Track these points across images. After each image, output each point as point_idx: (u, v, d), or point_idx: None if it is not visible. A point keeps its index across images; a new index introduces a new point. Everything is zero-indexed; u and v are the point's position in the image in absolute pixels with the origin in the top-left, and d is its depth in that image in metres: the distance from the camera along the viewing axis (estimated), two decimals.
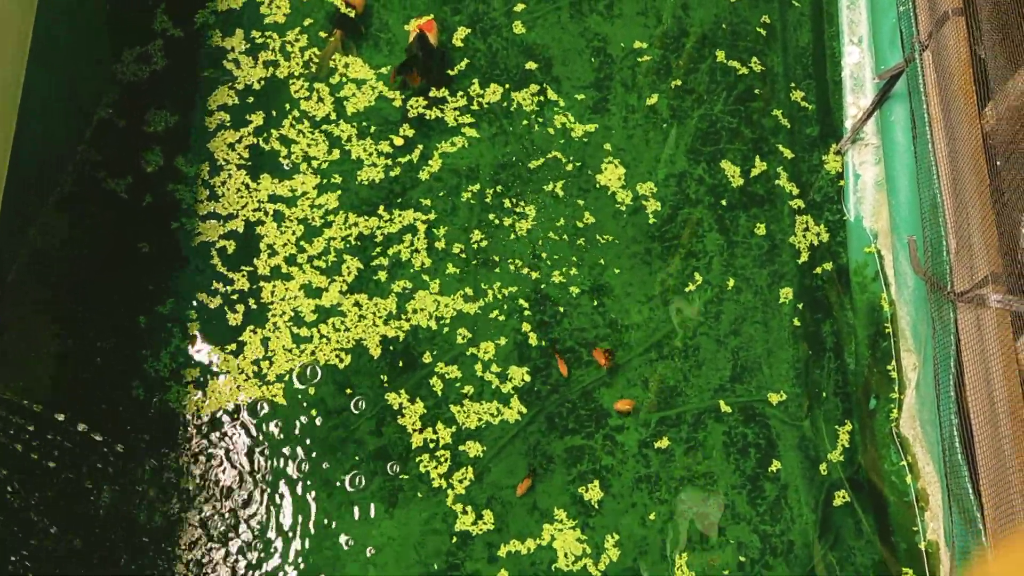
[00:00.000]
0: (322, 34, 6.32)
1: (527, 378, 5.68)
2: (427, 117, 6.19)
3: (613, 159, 6.21)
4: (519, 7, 6.52)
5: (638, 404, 5.67)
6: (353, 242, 5.87)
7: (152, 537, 5.20)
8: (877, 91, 5.52)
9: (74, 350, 5.50)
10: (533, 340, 5.78)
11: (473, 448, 5.50)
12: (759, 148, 6.31)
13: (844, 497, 5.52)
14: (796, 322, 5.91)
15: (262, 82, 6.20)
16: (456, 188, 6.06)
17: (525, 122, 6.25)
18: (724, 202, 6.19)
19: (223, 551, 5.26)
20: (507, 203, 6.04)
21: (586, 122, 6.29)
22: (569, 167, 6.17)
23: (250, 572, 5.23)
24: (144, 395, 5.46)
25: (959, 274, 4.29)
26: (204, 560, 5.22)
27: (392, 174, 6.03)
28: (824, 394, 5.75)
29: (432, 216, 5.96)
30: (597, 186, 6.15)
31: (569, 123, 6.27)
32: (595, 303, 5.90)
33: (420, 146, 6.12)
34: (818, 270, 6.01)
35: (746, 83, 6.50)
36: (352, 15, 6.29)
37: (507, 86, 6.31)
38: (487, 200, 6.05)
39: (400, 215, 5.95)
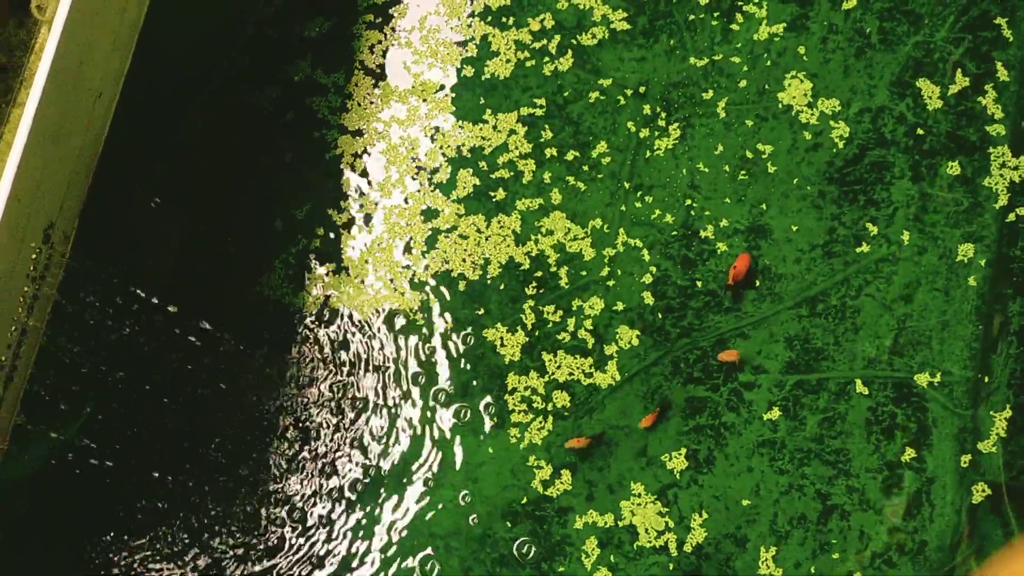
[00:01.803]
0: None
1: (660, 315, 5.31)
2: (604, 33, 5.80)
3: (801, 83, 5.53)
4: None
5: (769, 362, 5.15)
6: (514, 158, 5.68)
7: (259, 429, 5.48)
8: None
9: (203, 246, 5.77)
10: (674, 276, 5.38)
11: (597, 377, 5.26)
12: (979, 87, 5.36)
13: (997, 504, 4.74)
14: (983, 296, 5.06)
15: None
16: (621, 105, 5.67)
17: (707, 37, 5.69)
18: (926, 146, 5.36)
19: (322, 446, 5.44)
20: (673, 126, 5.58)
21: (779, 40, 5.62)
22: (749, 90, 5.58)
23: (350, 468, 5.38)
24: (268, 293, 5.66)
25: None
26: (301, 453, 5.43)
27: (562, 89, 5.72)
28: (997, 384, 4.92)
29: (592, 134, 5.63)
30: (776, 114, 5.52)
31: (758, 40, 5.64)
32: (749, 245, 5.36)
33: (591, 57, 5.75)
34: (1020, 239, 5.08)
35: (981, 7, 5.51)
36: None
37: None
38: (652, 121, 5.62)
39: (559, 126, 5.67)
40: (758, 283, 5.29)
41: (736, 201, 5.44)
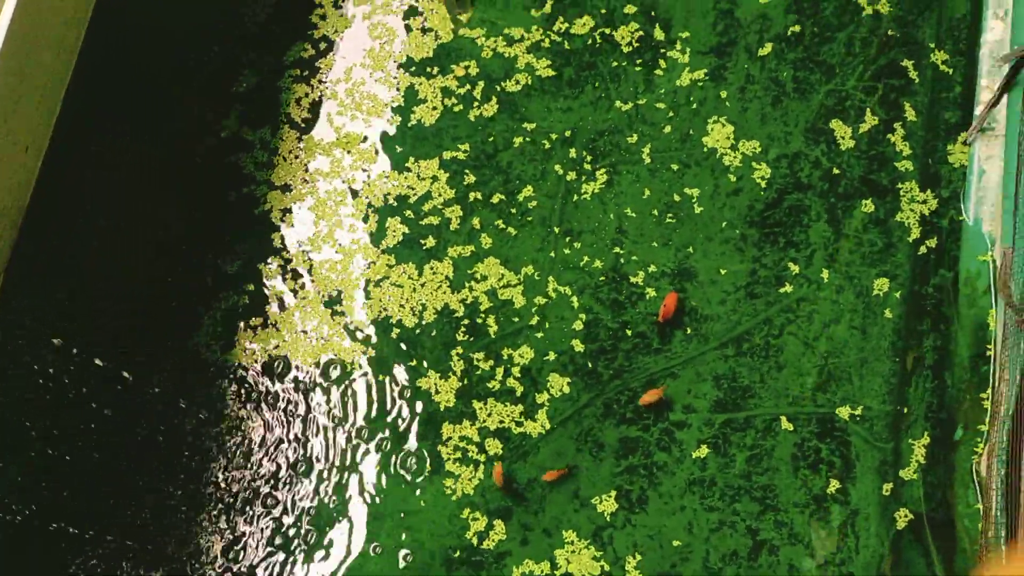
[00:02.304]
0: None
1: (591, 362, 5.41)
2: (532, 79, 5.95)
3: (723, 127, 5.72)
4: None
5: (698, 401, 5.27)
6: (439, 205, 5.76)
7: (188, 475, 5.43)
8: (1005, 75, 4.73)
9: (135, 299, 5.75)
10: (605, 320, 5.49)
11: (527, 426, 5.32)
12: (890, 131, 5.61)
13: (919, 534, 4.89)
14: (899, 332, 5.26)
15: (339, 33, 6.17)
16: (548, 154, 5.81)
17: (632, 87, 5.87)
18: (840, 189, 5.57)
19: (255, 493, 5.41)
20: (600, 172, 5.73)
21: (699, 89, 5.82)
22: (673, 138, 5.76)
23: (284, 517, 5.35)
24: (200, 346, 5.64)
25: None
26: (236, 498, 5.39)
27: (488, 136, 5.85)
28: (915, 417, 5.10)
29: (520, 181, 5.74)
30: (697, 162, 5.70)
31: (680, 88, 5.84)
32: (676, 288, 5.50)
33: (519, 106, 5.89)
34: (932, 276, 5.30)
35: (888, 57, 5.78)
36: None
37: (620, 48, 5.93)
38: (579, 167, 5.76)
39: (488, 176, 5.78)
40: (686, 323, 5.42)
41: (663, 245, 5.59)
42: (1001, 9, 5.29)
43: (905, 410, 5.10)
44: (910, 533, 4.93)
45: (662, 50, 5.91)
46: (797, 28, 5.84)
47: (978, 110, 5.22)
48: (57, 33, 4.83)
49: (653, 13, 6.00)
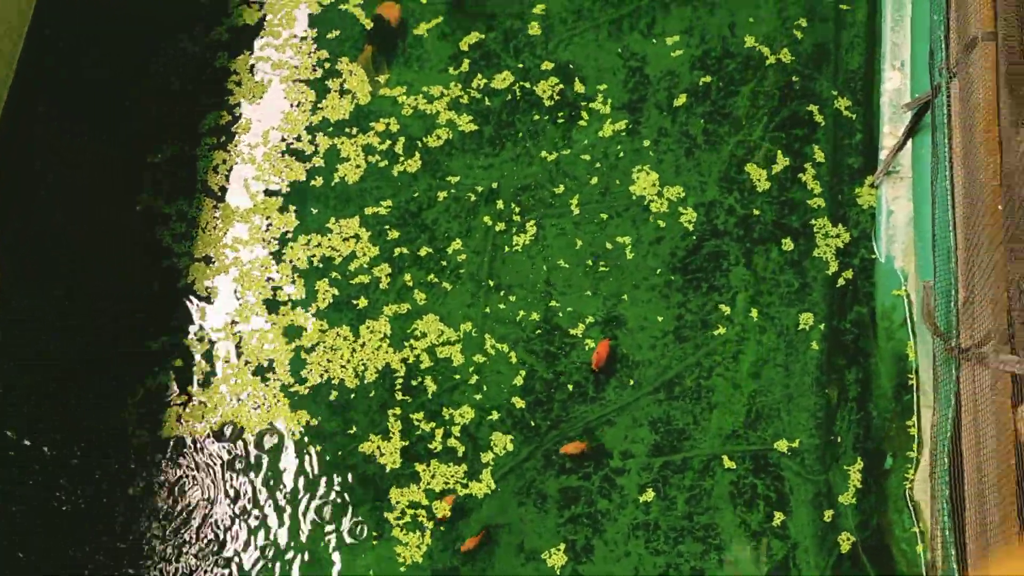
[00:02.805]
0: (343, 61, 6.24)
1: (528, 414, 5.45)
2: (451, 134, 6.04)
3: (648, 175, 5.90)
4: (558, 27, 6.29)
5: (635, 446, 5.36)
6: (366, 264, 5.75)
7: (132, 552, 5.22)
8: (909, 121, 5.06)
9: (60, 376, 5.56)
10: (540, 371, 5.55)
11: (472, 487, 5.30)
12: (796, 178, 5.89)
13: (856, 560, 5.06)
14: (821, 367, 5.48)
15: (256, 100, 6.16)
16: (474, 209, 5.88)
17: (551, 143, 6.02)
18: (755, 235, 5.81)
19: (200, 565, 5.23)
20: (527, 226, 5.83)
21: (615, 144, 6.01)
22: (593, 192, 5.91)
23: None
24: (129, 425, 5.48)
25: (966, 328, 3.85)
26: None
27: (413, 194, 5.89)
28: (843, 448, 5.30)
29: (447, 238, 5.79)
30: (619, 212, 5.86)
31: (597, 145, 6.01)
32: (607, 336, 5.61)
33: (441, 163, 5.96)
34: (848, 313, 5.56)
35: (790, 108, 6.09)
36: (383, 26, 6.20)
37: (537, 105, 6.09)
38: (504, 222, 5.85)
39: (414, 234, 5.81)
40: (619, 370, 5.53)
41: (592, 294, 5.71)
42: (897, 60, 5.66)
43: (834, 442, 5.30)
44: (848, 560, 5.09)
45: (578, 105, 6.09)
46: (704, 83, 6.10)
47: (882, 155, 5.54)
48: None
49: (568, 71, 6.19)
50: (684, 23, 6.33)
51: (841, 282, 5.59)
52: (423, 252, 5.76)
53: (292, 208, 5.91)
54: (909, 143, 5.09)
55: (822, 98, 6.04)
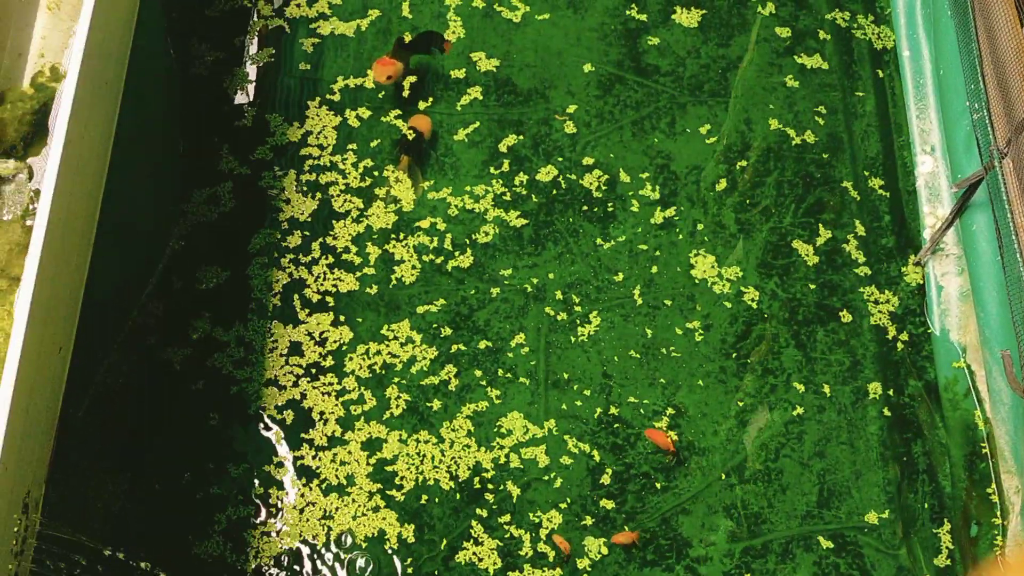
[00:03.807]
0: (388, 168, 6.37)
1: (607, 504, 5.45)
2: (491, 239, 6.15)
3: (705, 258, 6.08)
4: (583, 130, 6.53)
5: (717, 534, 5.39)
6: (418, 374, 5.77)
7: None
8: (956, 200, 5.35)
9: (134, 506, 5.40)
10: (608, 466, 5.58)
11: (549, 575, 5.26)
12: (832, 261, 6.14)
13: None
14: (884, 442, 5.62)
15: (310, 216, 6.21)
16: (523, 309, 5.97)
17: (590, 241, 6.18)
18: (800, 316, 6.00)
19: None
20: (577, 323, 5.92)
21: (652, 239, 6.19)
22: (636, 287, 6.06)
23: None
24: (210, 553, 5.33)
25: None
26: None
27: (461, 294, 5.97)
28: (920, 520, 5.41)
29: (499, 339, 5.86)
30: (664, 305, 6.01)
31: (635, 240, 6.19)
32: (670, 425, 5.68)
33: (488, 267, 6.06)
34: (904, 387, 5.74)
35: (815, 195, 6.37)
36: (411, 137, 6.35)
37: (572, 206, 6.27)
38: (555, 320, 5.94)
39: (468, 337, 5.86)
40: (687, 458, 5.59)
41: (650, 385, 5.80)
42: (927, 145, 6.00)
43: (911, 514, 5.40)
44: None
45: (609, 206, 6.29)
46: (730, 175, 6.37)
47: (926, 233, 5.82)
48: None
49: (600, 169, 6.40)
50: (702, 120, 6.62)
51: (895, 358, 5.79)
52: (485, 360, 5.80)
53: (342, 318, 5.91)
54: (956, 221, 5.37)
55: (844, 184, 6.34)
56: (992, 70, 4.84)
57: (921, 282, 5.92)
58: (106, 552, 4.57)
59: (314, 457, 5.55)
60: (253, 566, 5.27)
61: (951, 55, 5.51)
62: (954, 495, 5.38)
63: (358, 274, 6.02)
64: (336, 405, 5.67)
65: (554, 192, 6.30)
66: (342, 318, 5.89)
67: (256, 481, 5.47)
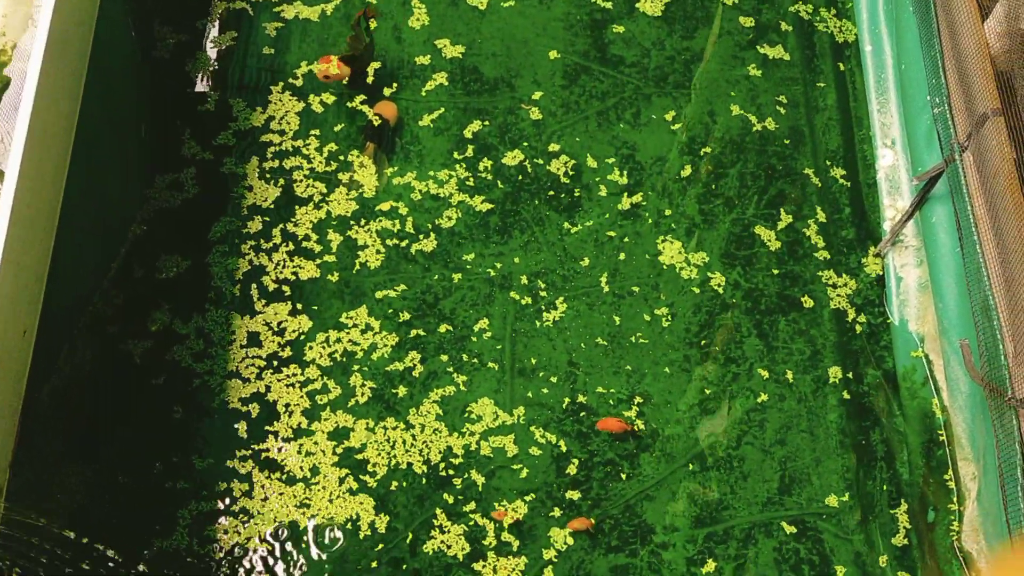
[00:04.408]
0: (353, 154, 6.33)
1: (572, 495, 5.49)
2: (456, 224, 6.16)
3: (672, 244, 6.13)
4: (549, 119, 6.54)
5: (678, 520, 5.46)
6: (387, 358, 5.76)
7: None
8: (916, 193, 5.46)
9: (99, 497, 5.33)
10: (573, 454, 5.61)
11: (511, 564, 5.28)
12: (794, 252, 6.23)
13: None
14: (844, 430, 5.72)
15: (273, 203, 6.16)
16: (489, 297, 5.98)
17: (557, 230, 6.20)
18: (762, 306, 6.08)
19: None
20: (543, 312, 5.95)
21: (617, 228, 6.23)
22: (602, 275, 6.09)
23: None
24: (178, 544, 5.28)
25: (1019, 379, 4.14)
26: None
27: (426, 282, 5.96)
28: (878, 506, 5.52)
29: (465, 327, 5.86)
30: (629, 294, 6.05)
31: (601, 230, 6.22)
32: (632, 412, 5.73)
33: (453, 254, 6.06)
34: (864, 376, 5.85)
35: (777, 187, 6.46)
36: (378, 123, 6.32)
37: (537, 196, 6.28)
38: (521, 309, 5.95)
39: (435, 326, 5.86)
40: (651, 446, 5.65)
41: (615, 373, 5.85)
42: (888, 139, 6.11)
43: (869, 501, 5.51)
44: None
45: (575, 193, 6.32)
46: (694, 166, 6.43)
47: (885, 225, 5.93)
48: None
49: (566, 156, 6.42)
50: (666, 112, 6.67)
51: (854, 347, 5.89)
52: (451, 348, 5.80)
53: (302, 305, 5.87)
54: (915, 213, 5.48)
55: (806, 176, 6.43)
56: (953, 65, 4.94)
57: (881, 273, 6.03)
58: (70, 535, 4.50)
59: (279, 450, 5.51)
60: (218, 557, 5.23)
61: (913, 50, 5.61)
62: (911, 481, 5.50)
63: (318, 261, 5.98)
64: (301, 396, 5.63)
65: (520, 178, 6.32)
66: (299, 306, 5.85)
67: (221, 473, 5.42)
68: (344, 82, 6.42)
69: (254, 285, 5.89)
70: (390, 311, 5.87)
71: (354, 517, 5.39)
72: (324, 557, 5.29)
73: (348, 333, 5.81)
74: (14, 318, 3.84)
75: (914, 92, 5.54)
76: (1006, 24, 4.71)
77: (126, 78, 6.08)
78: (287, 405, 5.61)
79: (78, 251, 4.96)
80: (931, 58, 5.14)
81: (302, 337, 5.76)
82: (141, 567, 5.09)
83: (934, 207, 5.30)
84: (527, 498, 5.46)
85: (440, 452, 5.52)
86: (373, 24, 6.59)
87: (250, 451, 5.49)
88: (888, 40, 6.29)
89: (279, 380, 5.67)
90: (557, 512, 5.44)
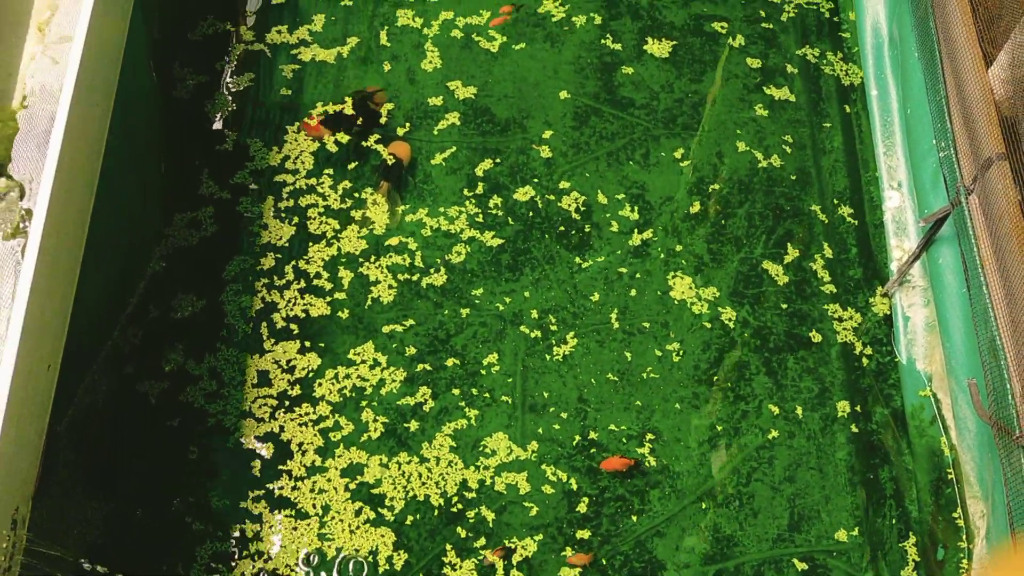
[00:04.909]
0: (367, 191, 6.44)
1: (582, 532, 5.52)
2: (466, 260, 6.24)
3: (683, 279, 6.21)
4: (560, 159, 6.66)
5: (688, 556, 5.49)
6: (396, 395, 5.82)
7: None
8: (923, 234, 5.54)
9: (116, 533, 5.39)
10: (584, 491, 5.65)
11: None
12: (802, 291, 6.30)
13: None
14: (853, 468, 5.77)
15: (287, 241, 6.25)
16: (501, 333, 6.05)
17: (568, 267, 6.29)
18: (771, 344, 6.14)
19: None
20: (554, 348, 6.02)
21: (627, 266, 6.31)
22: (613, 313, 6.17)
23: None
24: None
25: None
26: None
27: (438, 318, 6.04)
28: (888, 543, 5.55)
29: (475, 363, 5.93)
30: (640, 331, 6.12)
31: (611, 268, 6.31)
32: (644, 449, 5.78)
33: (463, 292, 6.15)
34: (872, 414, 5.91)
35: (784, 227, 6.55)
36: (391, 162, 6.44)
37: (548, 233, 6.38)
38: (532, 346, 6.02)
39: (445, 361, 5.93)
40: (661, 482, 5.69)
41: (625, 409, 5.90)
42: (894, 181, 6.21)
43: (879, 538, 5.54)
44: None
45: (586, 230, 6.42)
46: (703, 206, 6.53)
47: (893, 266, 6.01)
48: None
49: (576, 194, 6.53)
50: (675, 153, 6.78)
51: (862, 386, 5.95)
52: (462, 384, 5.87)
53: (321, 345, 5.95)
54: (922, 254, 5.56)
55: (813, 217, 6.53)
56: (959, 110, 5.05)
57: (888, 312, 6.10)
58: (90, 567, 4.55)
59: (293, 488, 5.56)
60: None
61: (918, 94, 5.72)
62: (920, 519, 5.53)
63: (330, 299, 6.07)
64: (315, 434, 5.69)
65: (531, 215, 6.41)
66: (308, 344, 5.92)
67: (237, 512, 5.46)
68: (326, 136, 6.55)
69: (264, 323, 5.96)
70: (401, 346, 5.94)
71: (374, 550, 5.42)
72: None
73: (358, 369, 5.88)
74: (39, 352, 3.92)
75: (920, 136, 5.65)
76: (1010, 71, 4.83)
77: (147, 118, 6.22)
78: (300, 444, 5.67)
79: (100, 286, 5.04)
80: (936, 103, 5.25)
81: (311, 375, 5.83)
82: None
83: (941, 248, 5.38)
84: (536, 537, 5.49)
85: (456, 484, 5.57)
86: (385, 106, 6.70)
87: (263, 490, 5.54)
88: (894, 84, 6.42)
89: (291, 420, 5.73)
90: (569, 552, 5.47)
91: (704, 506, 5.67)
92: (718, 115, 6.89)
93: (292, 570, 5.34)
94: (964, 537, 5.36)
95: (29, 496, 3.95)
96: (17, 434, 3.63)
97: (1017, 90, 4.71)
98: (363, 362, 5.89)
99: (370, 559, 5.38)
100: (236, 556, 5.36)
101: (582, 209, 6.48)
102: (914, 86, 5.83)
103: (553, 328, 6.08)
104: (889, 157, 6.30)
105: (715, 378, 6.00)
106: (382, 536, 5.43)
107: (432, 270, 6.19)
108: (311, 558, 5.37)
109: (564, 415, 5.84)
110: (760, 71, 7.03)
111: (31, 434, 3.91)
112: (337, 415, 5.73)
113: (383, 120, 6.66)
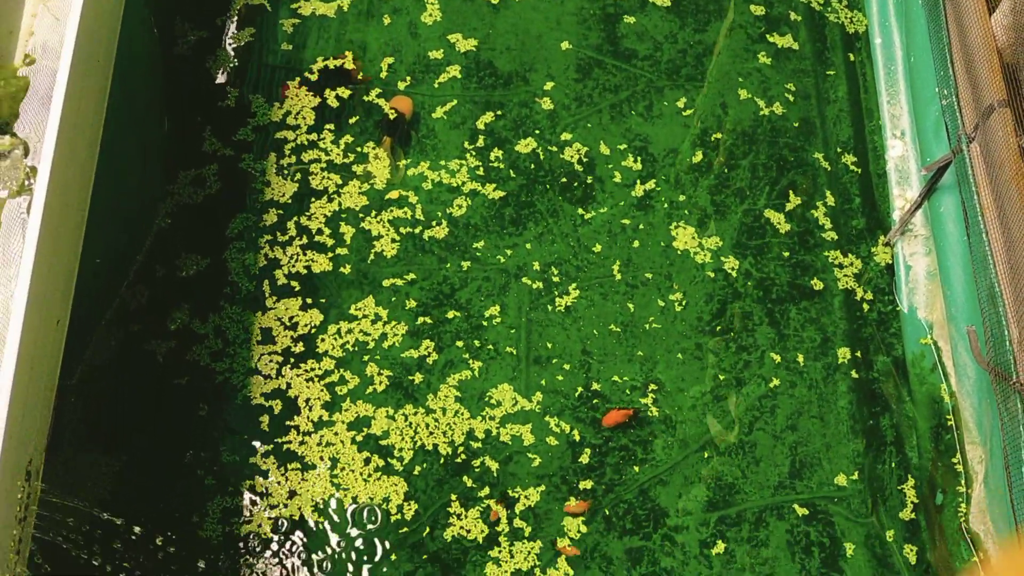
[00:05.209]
0: (369, 145, 6.45)
1: (585, 483, 5.61)
2: (467, 213, 6.27)
3: (685, 229, 6.23)
4: (562, 112, 6.65)
5: (691, 503, 5.57)
6: (400, 347, 5.88)
7: None
8: (925, 183, 5.55)
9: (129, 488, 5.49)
10: (587, 439, 5.73)
11: (526, 547, 5.40)
12: (805, 241, 6.32)
13: None
14: (854, 416, 5.82)
15: (290, 198, 6.28)
16: (504, 286, 6.09)
17: (570, 220, 6.31)
18: (773, 295, 6.18)
19: None
20: (557, 300, 6.06)
21: (630, 218, 6.33)
22: (616, 264, 6.20)
23: None
24: (209, 534, 5.42)
25: None
26: None
27: (441, 273, 6.08)
28: (888, 489, 5.63)
29: (478, 316, 5.98)
30: (643, 283, 6.16)
31: (614, 220, 6.33)
32: (648, 399, 5.85)
33: (466, 245, 6.18)
34: (874, 362, 5.95)
35: (788, 178, 6.55)
36: (393, 117, 6.44)
37: (550, 186, 6.40)
38: (535, 298, 6.07)
39: (448, 314, 5.98)
40: (664, 432, 5.76)
41: (628, 361, 5.96)
42: (897, 130, 6.19)
43: (880, 485, 5.62)
44: None
45: (589, 181, 6.43)
46: (706, 158, 6.53)
47: (895, 215, 6.02)
48: None
49: (579, 145, 6.53)
50: (678, 105, 6.77)
51: (864, 335, 5.99)
52: (466, 337, 5.92)
53: (323, 300, 5.99)
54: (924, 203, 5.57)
55: (817, 167, 6.52)
56: (961, 57, 5.03)
57: (890, 262, 6.12)
58: (103, 516, 4.65)
59: (300, 443, 5.65)
60: (249, 545, 5.37)
61: (921, 42, 5.69)
62: (920, 465, 5.60)
63: (332, 254, 6.10)
64: (321, 389, 5.76)
65: (533, 168, 6.43)
66: (309, 300, 5.97)
67: (248, 466, 5.56)
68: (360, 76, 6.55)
69: (266, 280, 6.00)
70: (404, 300, 5.99)
71: (387, 497, 5.52)
72: (356, 534, 5.43)
73: (360, 324, 5.93)
74: (48, 308, 3.98)
75: (923, 84, 5.63)
76: (1012, 18, 4.80)
77: (149, 74, 6.22)
78: (307, 400, 5.75)
79: (106, 242, 5.09)
80: (939, 50, 5.23)
81: (313, 330, 5.89)
82: (172, 550, 5.24)
83: (942, 197, 5.39)
84: (540, 487, 5.57)
85: (463, 434, 5.64)
86: (360, 75, 6.67)
87: (271, 445, 5.63)
88: (898, 32, 6.38)
89: (297, 376, 5.80)
90: (573, 501, 5.56)
91: (707, 455, 5.74)
92: (722, 65, 6.86)
93: (306, 519, 5.44)
94: (963, 482, 5.43)
95: (43, 448, 4.03)
96: (29, 386, 3.70)
97: (1019, 37, 4.69)
98: (365, 316, 5.94)
99: (384, 506, 5.48)
100: (249, 509, 5.46)
101: (585, 161, 6.49)
102: (918, 33, 5.80)
103: (556, 280, 6.12)
104: (893, 106, 6.28)
105: (718, 328, 6.04)
106: (394, 485, 5.51)
107: (434, 223, 6.22)
108: (326, 506, 5.47)
109: (567, 367, 5.90)
110: (764, 19, 6.98)
111: (43, 387, 3.98)
112: (342, 370, 5.80)
113: (383, 75, 6.65)
